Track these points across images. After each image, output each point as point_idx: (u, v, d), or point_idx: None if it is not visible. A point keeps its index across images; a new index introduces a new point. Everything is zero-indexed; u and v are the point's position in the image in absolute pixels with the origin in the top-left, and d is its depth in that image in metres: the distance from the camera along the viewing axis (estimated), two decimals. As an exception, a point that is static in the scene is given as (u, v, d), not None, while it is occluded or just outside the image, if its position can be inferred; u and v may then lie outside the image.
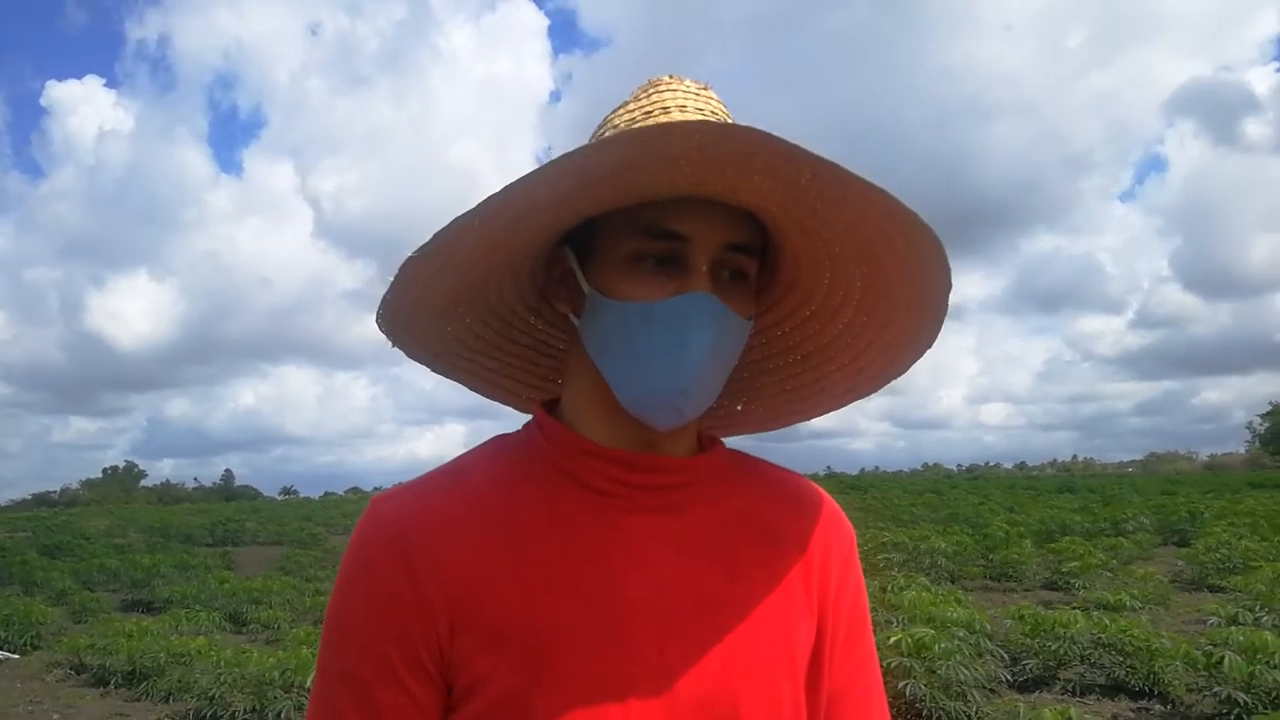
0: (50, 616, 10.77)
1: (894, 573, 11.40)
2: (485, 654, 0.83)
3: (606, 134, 0.92)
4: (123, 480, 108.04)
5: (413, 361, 1.02)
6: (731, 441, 1.03)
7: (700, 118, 0.88)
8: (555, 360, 1.06)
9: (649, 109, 0.90)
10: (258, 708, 6.90)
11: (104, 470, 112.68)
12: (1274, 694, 6.34)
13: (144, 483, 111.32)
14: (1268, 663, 6.44)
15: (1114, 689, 7.46)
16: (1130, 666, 7.38)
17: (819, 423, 1.10)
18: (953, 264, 0.87)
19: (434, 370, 1.03)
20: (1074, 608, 8.93)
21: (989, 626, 7.80)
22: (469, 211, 0.80)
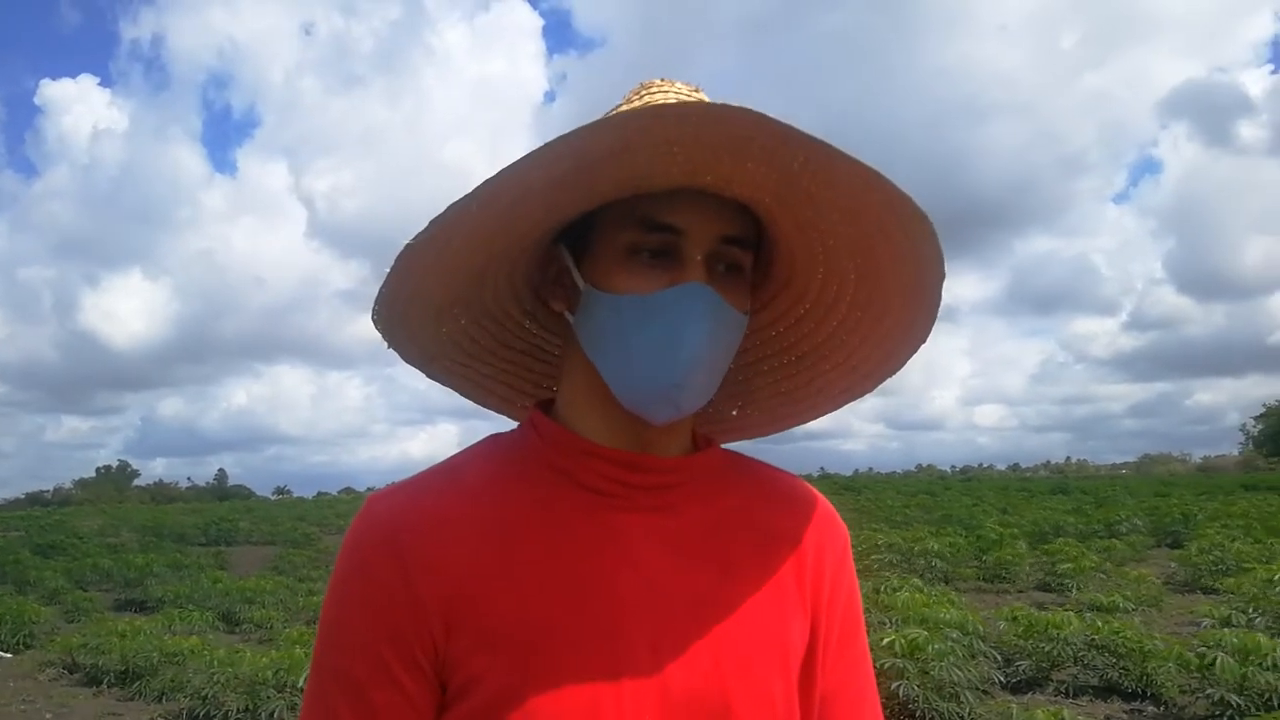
0: (43, 616, 10.75)
1: (887, 574, 11.43)
2: (479, 653, 0.83)
3: None
4: (116, 480, 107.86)
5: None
6: (725, 442, 1.03)
7: None
8: (549, 366, 1.06)
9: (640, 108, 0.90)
10: (251, 707, 6.89)
11: (97, 469, 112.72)
12: (1267, 696, 6.36)
13: (137, 482, 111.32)
14: (1260, 665, 6.46)
15: (1107, 690, 7.47)
16: (1123, 668, 7.39)
17: (812, 423, 1.09)
18: (947, 265, 0.87)
19: (428, 374, 1.03)
20: (1067, 609, 8.94)
21: (982, 628, 7.82)
22: (466, 196, 0.80)
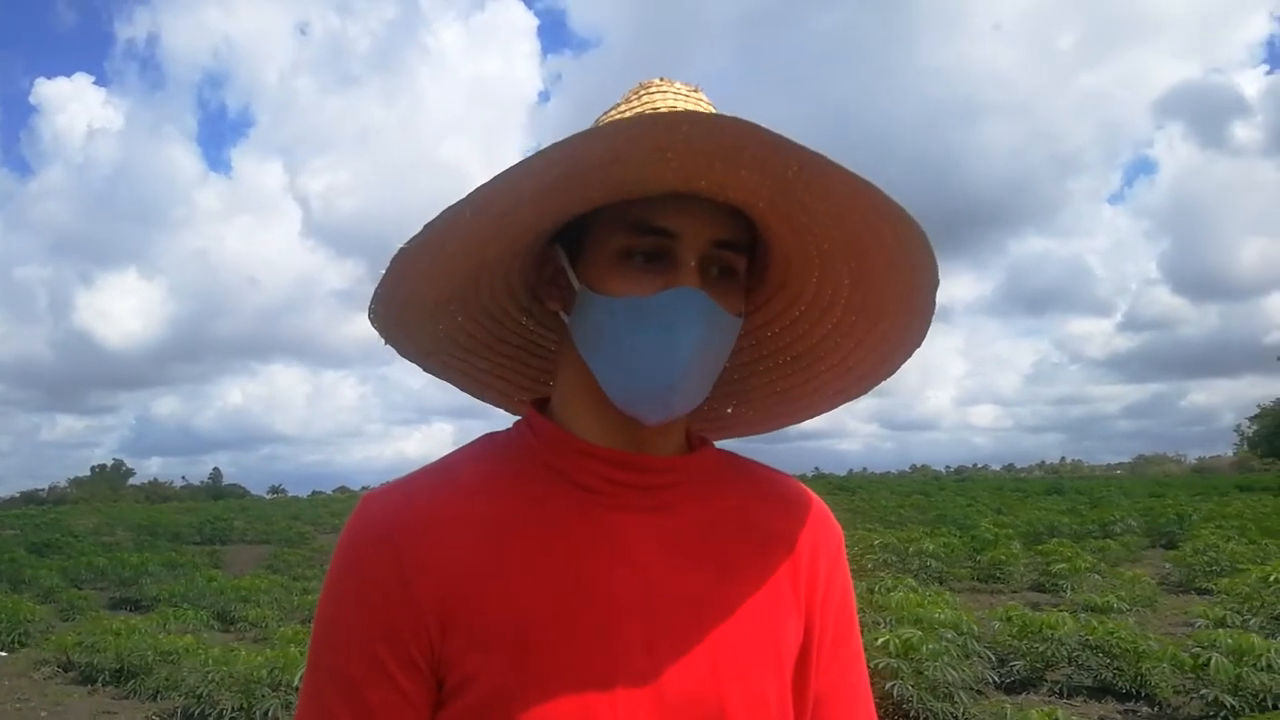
0: (38, 614, 10.72)
1: (882, 574, 11.43)
2: (474, 651, 0.83)
3: None
4: (111, 478, 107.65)
5: (401, 360, 1.02)
6: (719, 442, 1.03)
7: None
8: (546, 361, 1.06)
9: (640, 110, 0.90)
10: (245, 706, 6.88)
11: (92, 468, 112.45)
12: (1261, 696, 6.38)
13: (132, 481, 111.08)
14: (1254, 665, 6.47)
15: (1101, 691, 7.49)
16: (1117, 668, 7.41)
17: (807, 423, 1.09)
18: (942, 265, 0.87)
19: (425, 369, 1.03)
20: (1061, 609, 8.96)
21: (976, 628, 7.82)
22: (459, 202, 0.80)
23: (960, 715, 6.49)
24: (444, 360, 1.03)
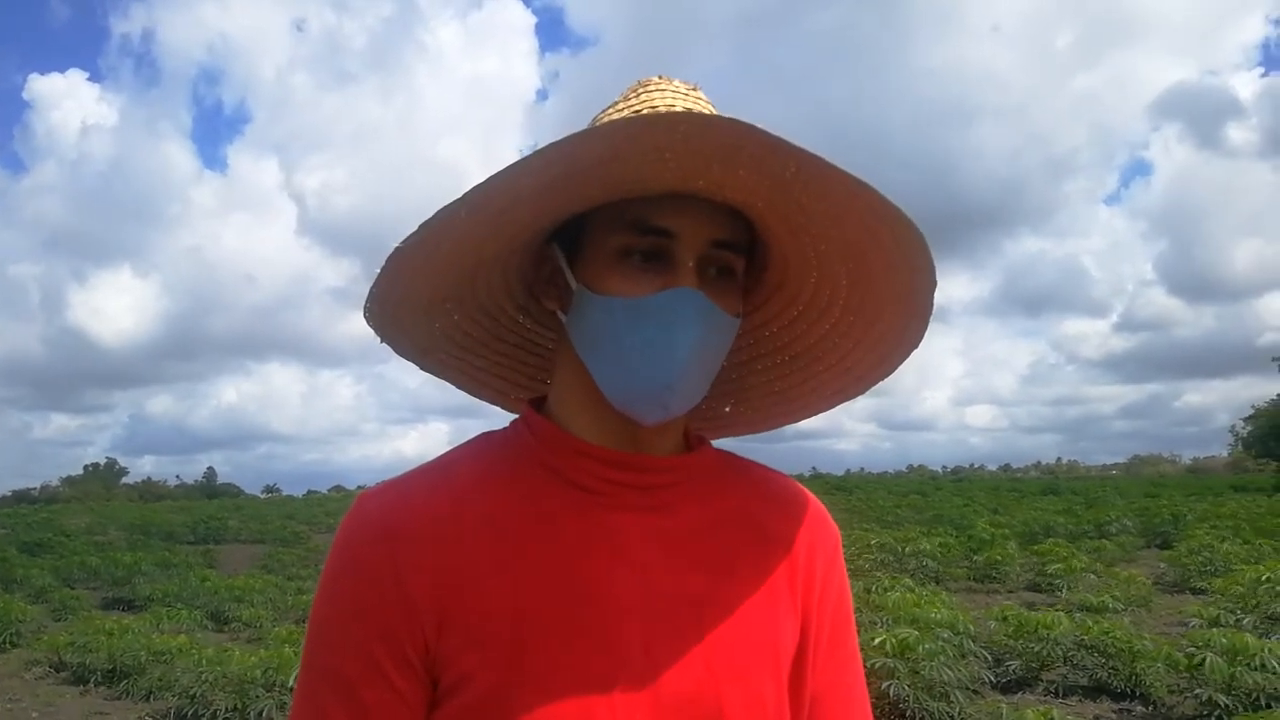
0: (30, 614, 10.70)
1: (878, 574, 11.43)
2: (470, 651, 0.83)
3: None
4: (104, 477, 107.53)
5: (398, 359, 1.01)
6: (716, 441, 1.03)
7: None
8: (543, 360, 1.06)
9: (638, 108, 0.90)
10: (239, 706, 6.87)
11: (85, 467, 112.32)
12: (1254, 696, 6.39)
13: (125, 480, 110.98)
14: (1248, 665, 6.49)
15: (1096, 690, 7.50)
16: (1112, 668, 7.42)
17: (805, 423, 1.09)
18: (938, 265, 0.87)
19: (422, 368, 1.03)
20: (1057, 609, 8.97)
21: (972, 628, 7.84)
22: (455, 201, 0.80)
23: (956, 715, 6.49)
24: (441, 359, 1.03)
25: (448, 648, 0.84)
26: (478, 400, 1.08)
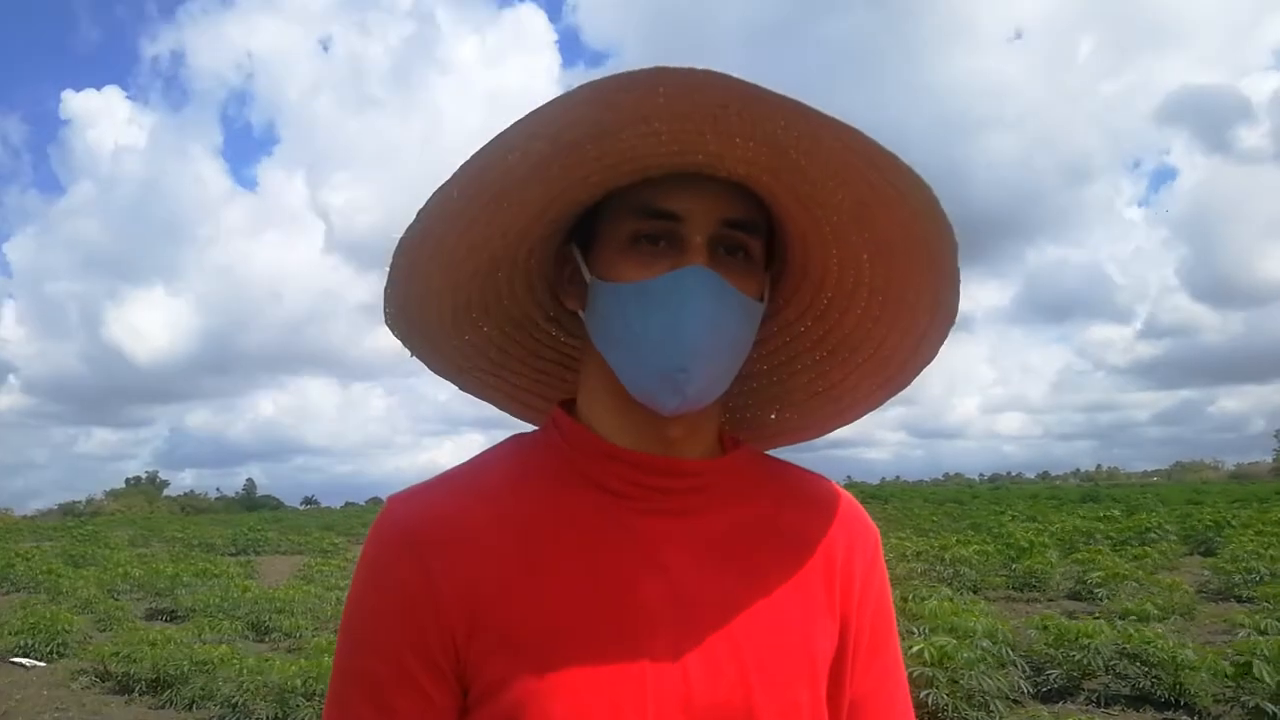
0: (76, 624, 10.82)
1: (916, 582, 11.33)
2: (500, 656, 0.83)
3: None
4: (146, 490, 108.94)
5: (429, 372, 1.01)
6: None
7: None
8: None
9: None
10: (280, 715, 6.93)
11: (127, 480, 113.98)
12: (1302, 705, 6.25)
13: (167, 492, 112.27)
14: (1297, 673, 6.35)
15: (1139, 700, 7.36)
16: (1155, 677, 7.28)
17: (835, 431, 1.08)
18: (961, 273, 0.86)
19: (461, 388, 1.03)
20: (1098, 618, 8.84)
21: (1012, 636, 7.73)
22: (447, 181, 0.80)
23: (995, 725, 6.41)
24: (479, 377, 1.03)
25: (477, 652, 0.83)
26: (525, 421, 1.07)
